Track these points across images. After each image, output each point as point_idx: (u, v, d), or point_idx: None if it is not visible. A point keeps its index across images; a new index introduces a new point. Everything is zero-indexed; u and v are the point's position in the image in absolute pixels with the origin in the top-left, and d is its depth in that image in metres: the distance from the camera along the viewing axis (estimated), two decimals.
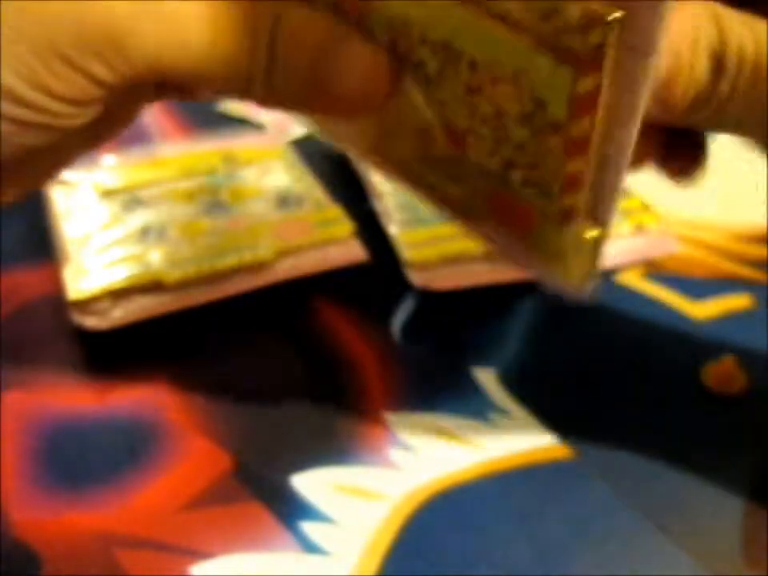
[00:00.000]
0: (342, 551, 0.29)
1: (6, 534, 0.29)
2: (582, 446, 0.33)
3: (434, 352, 0.36)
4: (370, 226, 0.40)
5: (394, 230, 0.40)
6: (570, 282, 0.26)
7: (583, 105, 0.21)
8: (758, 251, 0.41)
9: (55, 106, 0.23)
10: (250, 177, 0.43)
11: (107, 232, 0.39)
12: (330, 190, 0.42)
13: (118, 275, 0.36)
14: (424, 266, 0.38)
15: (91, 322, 0.35)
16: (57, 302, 0.37)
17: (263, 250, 0.38)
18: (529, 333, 0.37)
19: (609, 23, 0.20)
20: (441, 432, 0.33)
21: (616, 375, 0.36)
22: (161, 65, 0.23)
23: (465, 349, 0.36)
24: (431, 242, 0.39)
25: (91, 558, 0.29)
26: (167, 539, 0.30)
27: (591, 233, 0.24)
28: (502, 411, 0.34)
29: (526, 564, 0.29)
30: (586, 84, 0.21)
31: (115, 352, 0.35)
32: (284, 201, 0.41)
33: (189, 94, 0.28)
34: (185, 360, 0.36)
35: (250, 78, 0.23)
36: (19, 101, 0.22)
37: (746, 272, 0.40)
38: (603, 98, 0.21)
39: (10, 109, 0.22)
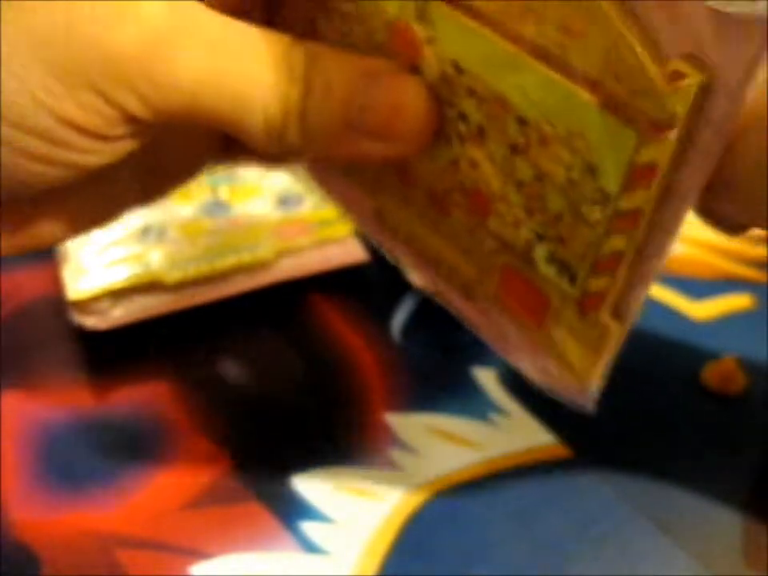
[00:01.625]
0: (342, 551, 0.29)
1: (6, 534, 0.29)
2: (582, 446, 0.33)
3: (433, 352, 0.36)
4: None
5: None
6: (576, 381, 0.24)
7: (641, 176, 0.19)
8: (757, 251, 0.41)
9: (74, 138, 0.20)
10: (249, 177, 0.43)
11: (107, 232, 0.39)
12: None
13: (118, 275, 0.36)
14: None
15: (91, 322, 0.35)
16: (57, 302, 0.37)
17: (263, 250, 0.38)
18: None
19: (691, 89, 0.18)
20: (441, 432, 0.33)
21: (616, 375, 0.35)
22: (197, 102, 0.20)
23: (465, 349, 0.36)
24: None
25: (91, 558, 0.29)
26: (167, 539, 0.29)
27: (614, 326, 0.22)
28: (502, 411, 0.34)
29: (526, 564, 0.29)
30: (649, 153, 0.19)
31: (115, 352, 0.35)
32: (284, 201, 0.41)
33: (247, 155, 0.26)
34: (185, 360, 0.36)
35: (286, 120, 0.21)
36: (32, 130, 0.19)
37: (746, 272, 0.40)
38: (663, 173, 0.19)
39: (20, 138, 0.19)
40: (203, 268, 0.37)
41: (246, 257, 0.38)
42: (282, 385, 0.35)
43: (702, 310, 0.38)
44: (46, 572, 0.29)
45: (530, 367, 0.24)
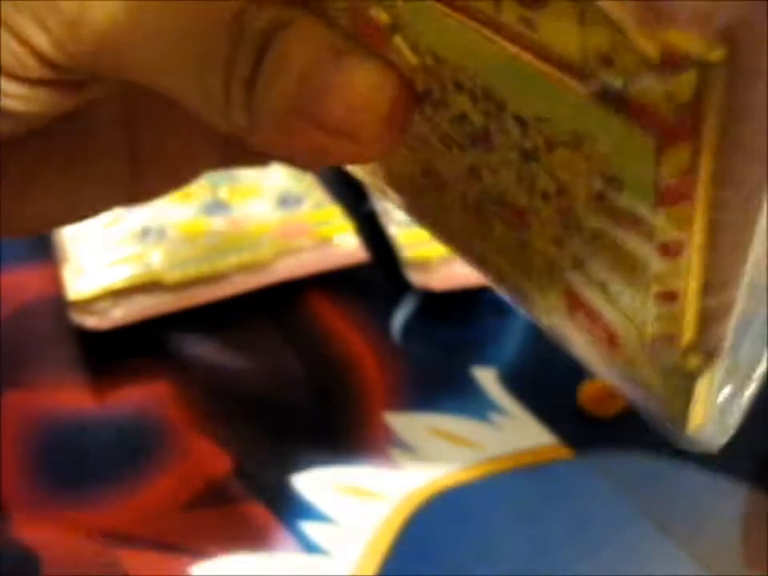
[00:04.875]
0: (342, 551, 0.29)
1: (6, 534, 0.29)
2: (582, 445, 0.33)
3: (433, 352, 0.36)
4: (370, 226, 0.40)
5: (393, 230, 0.40)
6: (674, 420, 0.19)
7: (676, 189, 0.13)
8: None
9: None
10: (250, 177, 0.43)
11: (107, 232, 0.39)
12: (330, 190, 0.42)
13: (118, 275, 0.36)
14: (424, 266, 0.38)
15: (91, 321, 0.35)
16: (57, 302, 0.37)
17: (263, 250, 0.38)
18: (529, 333, 0.37)
19: (708, 65, 0.12)
20: (441, 432, 0.33)
21: None
22: (116, 48, 0.17)
23: (465, 349, 0.36)
24: (431, 242, 0.39)
25: (91, 558, 0.29)
26: (167, 539, 0.29)
27: (692, 361, 0.17)
28: (502, 411, 0.34)
29: (526, 564, 0.29)
30: (676, 158, 0.13)
31: (115, 352, 0.35)
32: (284, 201, 0.41)
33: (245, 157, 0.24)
34: (185, 360, 0.36)
35: (228, 92, 0.17)
36: None
37: None
38: (704, 175, 0.13)
39: None
40: (203, 268, 0.37)
41: (246, 257, 0.38)
42: (281, 384, 0.35)
43: None
44: (46, 572, 0.29)
45: (636, 400, 0.20)
